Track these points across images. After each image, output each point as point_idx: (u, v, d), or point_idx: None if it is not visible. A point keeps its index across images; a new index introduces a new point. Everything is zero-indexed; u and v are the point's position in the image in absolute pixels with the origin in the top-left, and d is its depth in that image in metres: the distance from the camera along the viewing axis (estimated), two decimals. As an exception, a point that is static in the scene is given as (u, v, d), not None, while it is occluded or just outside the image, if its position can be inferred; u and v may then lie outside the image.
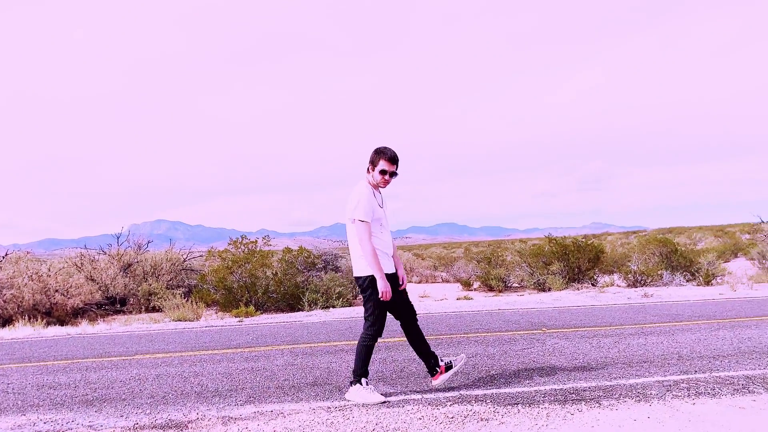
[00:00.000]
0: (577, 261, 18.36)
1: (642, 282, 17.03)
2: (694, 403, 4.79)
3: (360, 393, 5.11)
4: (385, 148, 5.06)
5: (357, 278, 5.13)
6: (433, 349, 5.43)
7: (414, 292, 20.18)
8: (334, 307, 14.06)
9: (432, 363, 5.34)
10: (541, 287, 18.08)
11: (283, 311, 14.47)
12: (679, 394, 5.07)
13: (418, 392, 5.43)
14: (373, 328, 5.08)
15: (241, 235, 16.30)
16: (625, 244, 34.28)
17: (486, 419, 4.56)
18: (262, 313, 13.71)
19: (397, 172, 5.08)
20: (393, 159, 5.01)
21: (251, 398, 5.49)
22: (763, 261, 20.32)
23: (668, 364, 6.24)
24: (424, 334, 8.76)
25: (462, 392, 5.37)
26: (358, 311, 12.73)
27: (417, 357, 7.02)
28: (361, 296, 5.34)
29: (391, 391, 5.51)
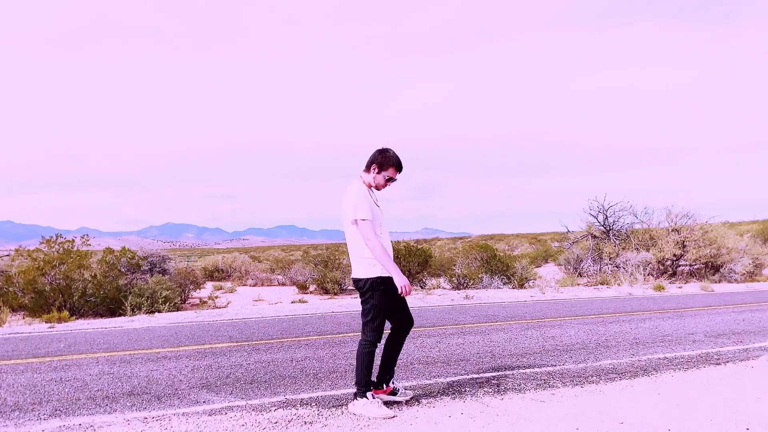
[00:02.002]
0: (408, 264, 19.13)
1: (465, 285, 18.15)
2: (502, 399, 5.19)
3: (367, 407, 4.73)
4: (394, 154, 4.90)
5: (356, 281, 4.86)
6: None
7: (248, 295, 19.78)
8: (159, 311, 13.35)
9: (384, 378, 5.06)
10: (374, 290, 18.59)
11: (102, 316, 13.45)
12: (490, 390, 5.48)
13: (242, 398, 5.33)
14: (374, 334, 4.80)
15: (55, 234, 14.92)
16: (452, 249, 36.36)
17: (310, 422, 4.59)
18: (77, 319, 12.64)
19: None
20: (400, 168, 4.92)
21: (57, 411, 5.04)
22: (569, 266, 22.60)
23: (482, 362, 6.72)
24: (256, 338, 8.65)
25: (287, 396, 5.36)
26: (185, 316, 12.21)
27: (243, 363, 6.91)
28: (360, 299, 4.96)
29: (216, 398, 5.35)
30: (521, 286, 18.08)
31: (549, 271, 26.15)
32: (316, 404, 5.08)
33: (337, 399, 5.23)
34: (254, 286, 25.13)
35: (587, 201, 23.21)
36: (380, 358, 5.06)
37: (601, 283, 18.77)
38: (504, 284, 18.37)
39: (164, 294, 13.93)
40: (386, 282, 4.76)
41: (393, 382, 5.02)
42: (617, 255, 21.25)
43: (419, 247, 20.53)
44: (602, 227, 22.88)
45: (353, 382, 5.06)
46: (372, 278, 4.75)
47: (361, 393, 4.80)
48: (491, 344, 7.84)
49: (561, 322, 9.89)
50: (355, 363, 4.93)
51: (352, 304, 13.92)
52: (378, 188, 4.95)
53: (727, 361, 6.58)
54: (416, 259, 19.28)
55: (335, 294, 19.67)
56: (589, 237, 22.78)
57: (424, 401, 5.12)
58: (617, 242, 22.10)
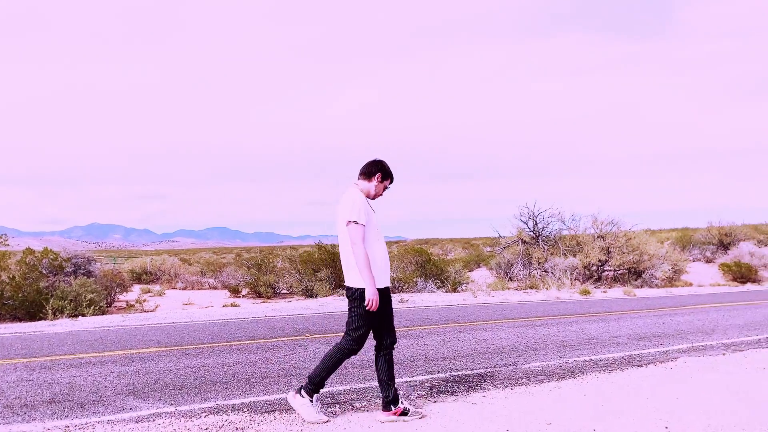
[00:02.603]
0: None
1: (400, 288, 18.26)
2: (435, 401, 5.25)
3: (305, 408, 4.63)
4: (389, 167, 4.95)
5: (348, 288, 4.71)
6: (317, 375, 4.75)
7: (178, 299, 19.26)
8: (83, 315, 12.82)
9: (389, 399, 4.79)
10: (309, 293, 18.46)
11: (21, 320, 12.80)
12: (423, 393, 5.53)
13: (171, 404, 5.18)
14: (352, 343, 4.67)
15: (-30, 233, 14.11)
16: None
17: (241, 428, 4.51)
18: (-7, 323, 11.98)
19: None
20: (393, 179, 5.00)
21: (-31, 422, 4.76)
22: (500, 271, 23.12)
23: (416, 365, 6.78)
24: (186, 343, 8.42)
25: (218, 402, 5.25)
26: (111, 320, 11.77)
27: (173, 368, 6.71)
28: (347, 307, 4.76)
29: (143, 404, 5.18)
30: (454, 290, 18.35)
31: (481, 275, 26.66)
32: (248, 410, 4.99)
33: (270, 404, 5.15)
34: (184, 289, 24.49)
35: (518, 207, 23.84)
36: (377, 380, 4.89)
37: (531, 287, 19.29)
38: (438, 288, 18.60)
39: (89, 297, 13.39)
40: (377, 294, 4.67)
41: (402, 402, 4.85)
42: (546, 260, 21.90)
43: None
44: (532, 233, 23.54)
45: (307, 375, 4.95)
46: (362, 288, 4.64)
47: (308, 389, 4.70)
48: (425, 347, 7.92)
49: (492, 325, 10.09)
50: (316, 363, 4.84)
51: (286, 308, 13.78)
52: (375, 197, 4.95)
53: (648, 363, 6.89)
54: (351, 263, 19.26)
55: (269, 298, 19.42)
56: (520, 242, 23.39)
57: (358, 405, 5.12)
58: (546, 248, 22.78)
